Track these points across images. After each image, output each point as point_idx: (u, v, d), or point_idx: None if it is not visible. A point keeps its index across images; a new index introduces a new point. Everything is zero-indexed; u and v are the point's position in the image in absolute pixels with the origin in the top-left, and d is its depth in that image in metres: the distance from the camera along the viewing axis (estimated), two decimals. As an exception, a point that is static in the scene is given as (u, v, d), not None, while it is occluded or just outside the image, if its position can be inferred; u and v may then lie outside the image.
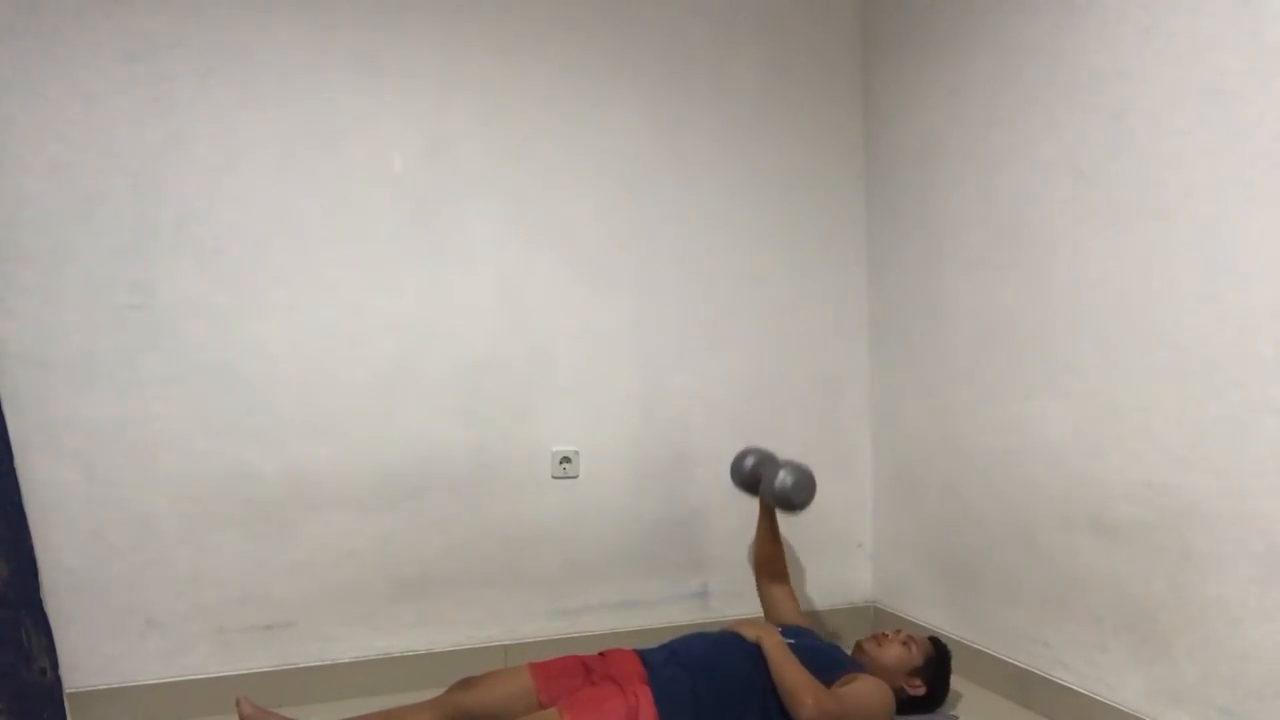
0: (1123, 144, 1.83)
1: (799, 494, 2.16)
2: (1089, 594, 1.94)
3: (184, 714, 2.02)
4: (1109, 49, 1.86)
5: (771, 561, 2.32)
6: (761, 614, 2.32)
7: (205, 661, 2.07)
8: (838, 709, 1.70)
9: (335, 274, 2.18)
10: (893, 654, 1.96)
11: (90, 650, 1.98)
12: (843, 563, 2.71)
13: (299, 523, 2.15)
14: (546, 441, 2.38)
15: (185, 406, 2.06)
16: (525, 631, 2.36)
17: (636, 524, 2.47)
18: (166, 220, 2.05)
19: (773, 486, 2.17)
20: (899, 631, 2.04)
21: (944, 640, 2.11)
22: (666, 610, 2.51)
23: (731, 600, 2.54)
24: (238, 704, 1.72)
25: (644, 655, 1.88)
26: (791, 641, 1.88)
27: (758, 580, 2.34)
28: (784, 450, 2.48)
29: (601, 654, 1.93)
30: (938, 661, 2.01)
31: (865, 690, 1.79)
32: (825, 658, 1.89)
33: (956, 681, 2.16)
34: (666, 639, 1.99)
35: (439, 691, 1.83)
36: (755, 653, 1.83)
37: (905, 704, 1.93)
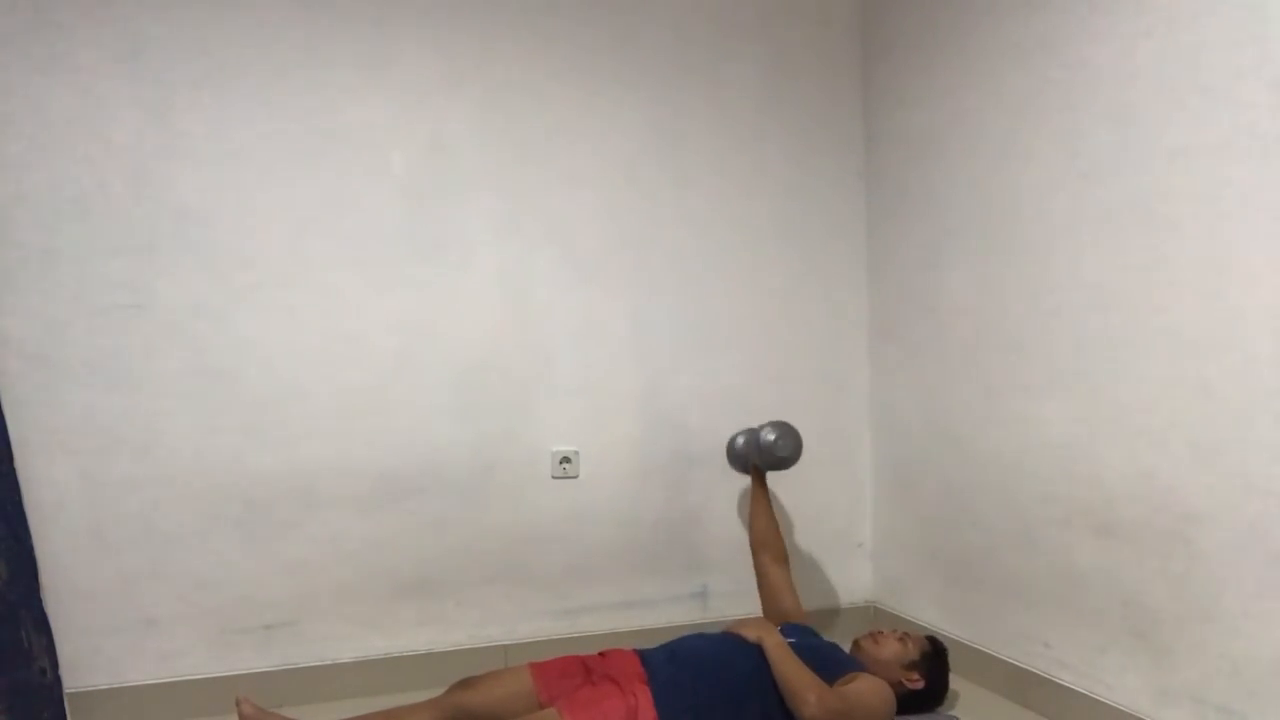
0: (1123, 144, 1.83)
1: (784, 447, 2.27)
2: (1089, 594, 1.94)
3: (184, 714, 2.02)
4: (1109, 49, 1.86)
5: (768, 537, 2.32)
6: (760, 606, 2.31)
7: (205, 661, 2.07)
8: (841, 706, 1.70)
9: (335, 274, 2.19)
10: (889, 649, 1.96)
11: (90, 650, 1.98)
12: (843, 562, 2.72)
13: (299, 523, 2.15)
14: (546, 441, 2.38)
15: (185, 406, 2.06)
16: (525, 631, 2.36)
17: (636, 524, 2.47)
18: (166, 220, 2.05)
19: (758, 444, 2.29)
20: (895, 629, 2.05)
21: (942, 639, 2.11)
22: (666, 610, 2.51)
23: (731, 600, 2.54)
24: (238, 704, 1.72)
25: (644, 655, 1.88)
26: (792, 640, 1.88)
27: (756, 561, 2.32)
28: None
29: (601, 654, 1.93)
30: (935, 657, 2.01)
31: (867, 688, 1.79)
32: (825, 656, 1.89)
33: (956, 681, 2.16)
34: (666, 639, 1.99)
35: (439, 691, 1.83)
36: (755, 653, 1.83)
37: (905, 701, 1.93)
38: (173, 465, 2.05)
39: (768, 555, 2.30)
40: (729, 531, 2.56)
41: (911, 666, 1.95)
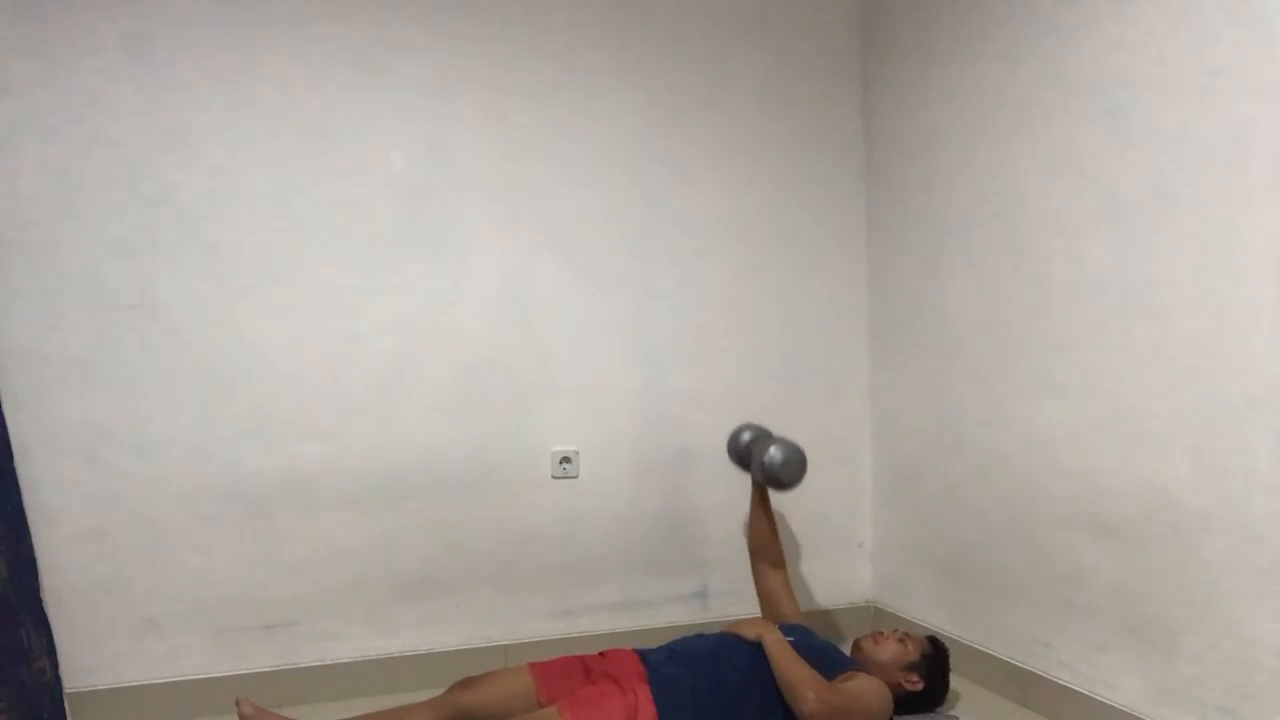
0: (1123, 144, 1.83)
1: (788, 472, 2.14)
2: (1089, 594, 1.94)
3: (184, 714, 2.02)
4: (1109, 48, 1.86)
5: (766, 543, 2.29)
6: (759, 608, 2.31)
7: (205, 661, 2.07)
8: (839, 703, 1.71)
9: (335, 274, 2.19)
10: (889, 650, 1.96)
11: (90, 650, 1.98)
12: (843, 562, 2.72)
13: (299, 523, 2.15)
14: (546, 441, 2.38)
15: (185, 406, 2.06)
16: (525, 631, 2.36)
17: (636, 524, 2.47)
18: (166, 220, 2.05)
19: (762, 462, 2.16)
20: (895, 630, 2.05)
21: (942, 640, 2.11)
22: (666, 610, 2.51)
23: (731, 600, 2.54)
24: (238, 704, 1.72)
25: (644, 655, 1.88)
26: (790, 640, 1.88)
27: (753, 565, 2.33)
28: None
29: (601, 654, 1.94)
30: (935, 658, 2.01)
31: (865, 687, 1.80)
32: (823, 656, 1.89)
33: (956, 681, 2.16)
34: (666, 639, 1.99)
35: (439, 691, 1.83)
36: (755, 652, 1.83)
37: (905, 702, 1.94)
38: (173, 465, 2.05)
39: (764, 560, 2.30)
40: (729, 531, 2.56)
41: (911, 668, 1.95)
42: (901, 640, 1.99)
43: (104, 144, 1.99)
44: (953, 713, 2.07)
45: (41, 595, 1.90)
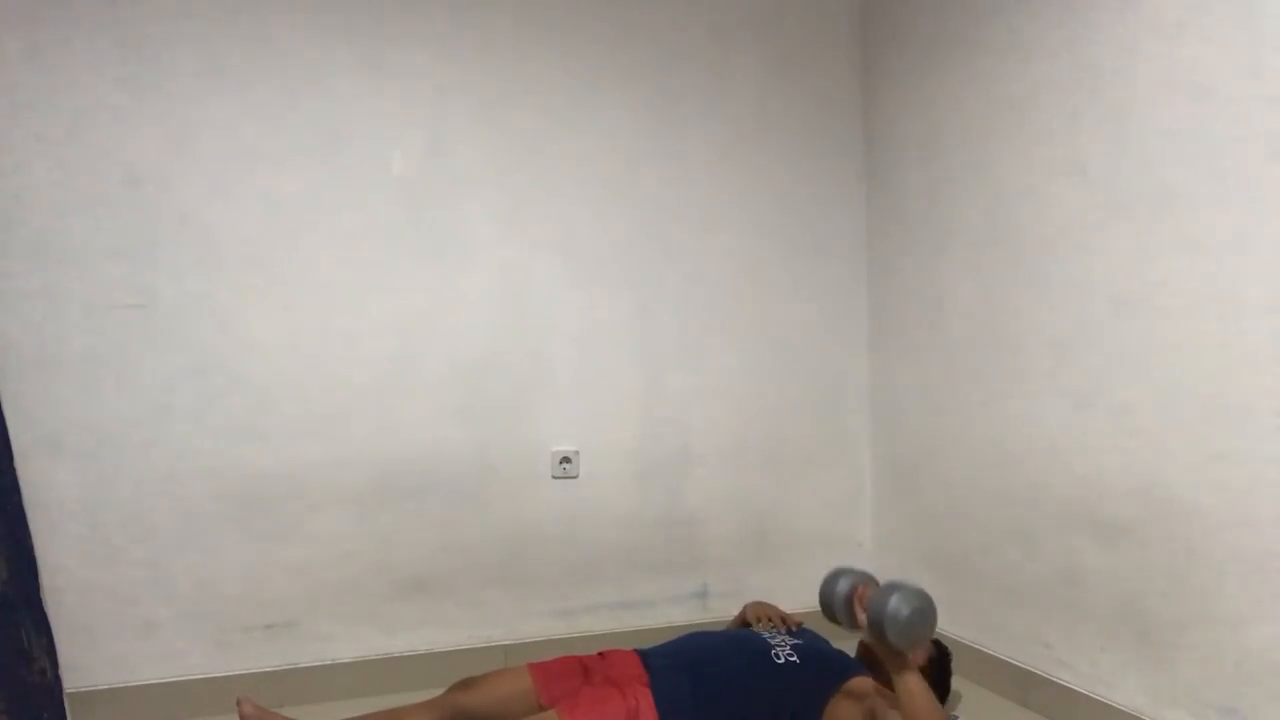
0: (1123, 144, 1.83)
1: (916, 628, 1.63)
2: (1089, 594, 1.94)
3: (184, 714, 2.02)
4: (1109, 48, 1.86)
5: None
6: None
7: (205, 661, 2.07)
8: None
9: (335, 273, 2.18)
10: None
11: (90, 650, 1.98)
12: (843, 562, 2.69)
13: (299, 523, 2.15)
14: (546, 441, 2.38)
15: (185, 406, 2.06)
16: (525, 631, 2.36)
17: (636, 524, 2.47)
18: (167, 220, 2.05)
19: (881, 612, 1.63)
20: None
21: (944, 640, 2.11)
22: (666, 610, 2.51)
23: (731, 600, 2.54)
24: (238, 704, 1.72)
25: (645, 656, 1.88)
26: (798, 642, 1.88)
27: None
28: (784, 453, 2.48)
29: (601, 654, 1.93)
30: (937, 660, 2.01)
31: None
32: (829, 659, 1.88)
33: (957, 681, 2.16)
34: (666, 639, 1.99)
35: (439, 691, 1.83)
36: (761, 652, 1.82)
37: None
38: (173, 465, 2.04)
39: None
40: (729, 531, 2.56)
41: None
42: None
43: (104, 144, 1.99)
44: (954, 713, 2.07)
45: (41, 595, 1.90)
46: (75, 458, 1.97)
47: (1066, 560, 2.00)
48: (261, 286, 2.12)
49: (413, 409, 2.25)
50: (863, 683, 1.81)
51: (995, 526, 2.22)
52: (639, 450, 2.47)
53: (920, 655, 1.72)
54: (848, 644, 2.08)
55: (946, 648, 2.06)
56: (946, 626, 2.38)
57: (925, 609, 1.65)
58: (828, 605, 1.85)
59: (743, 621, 2.21)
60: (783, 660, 1.81)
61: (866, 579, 1.82)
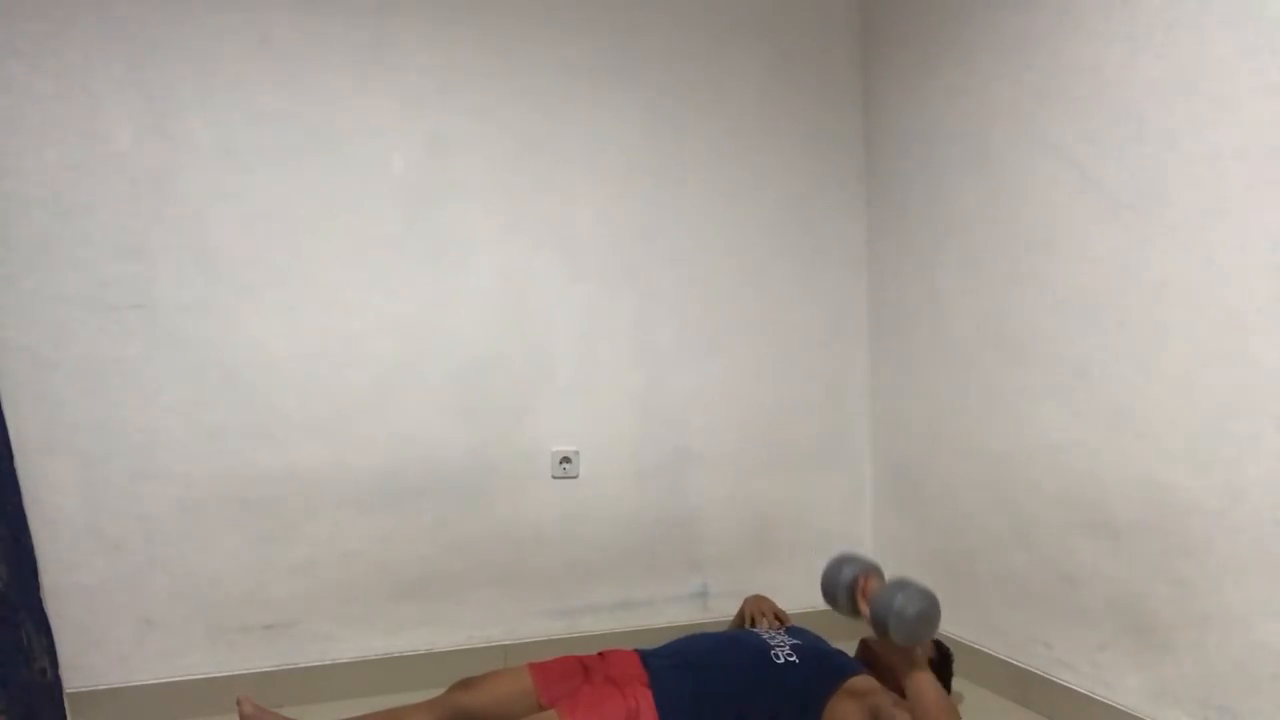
0: (1123, 143, 1.83)
1: (920, 627, 1.65)
2: (1089, 594, 1.94)
3: (184, 714, 2.02)
4: (1109, 48, 1.86)
5: None
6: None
7: (205, 661, 2.07)
8: None
9: (335, 274, 2.18)
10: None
11: (90, 650, 1.98)
12: (843, 563, 2.71)
13: (299, 523, 2.15)
14: (546, 441, 2.38)
15: (185, 406, 2.06)
16: (525, 631, 2.36)
17: (636, 524, 2.47)
18: (167, 221, 2.05)
19: (888, 609, 1.66)
20: None
21: (944, 640, 2.11)
22: (666, 610, 2.51)
23: (731, 600, 2.53)
24: (238, 704, 1.72)
25: (645, 656, 1.88)
26: (797, 642, 1.88)
27: None
28: (784, 453, 2.47)
29: (601, 654, 1.93)
30: (938, 661, 2.00)
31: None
32: (828, 659, 1.88)
33: (957, 682, 2.16)
34: (666, 639, 1.99)
35: (439, 691, 1.83)
36: (761, 652, 1.82)
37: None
38: (173, 465, 2.04)
39: None
40: (729, 531, 2.56)
41: None
42: None
43: (104, 144, 1.99)
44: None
45: (41, 595, 1.90)
46: (75, 458, 1.97)
47: (1066, 560, 2.00)
48: (261, 287, 2.12)
49: (413, 409, 2.25)
50: (863, 681, 1.81)
51: (995, 526, 2.22)
52: (639, 450, 2.47)
53: (921, 654, 1.75)
54: (847, 644, 2.08)
55: (948, 648, 2.06)
56: (947, 626, 2.38)
57: (930, 611, 1.66)
58: (830, 589, 1.86)
59: (742, 618, 2.21)
60: (782, 660, 1.82)
61: (872, 569, 1.82)
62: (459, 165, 2.29)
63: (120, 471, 2.01)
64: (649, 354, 2.49)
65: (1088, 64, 1.91)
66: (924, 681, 1.64)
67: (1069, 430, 1.98)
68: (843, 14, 2.72)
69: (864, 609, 1.71)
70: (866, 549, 2.73)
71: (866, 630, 1.81)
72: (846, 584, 1.81)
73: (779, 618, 2.15)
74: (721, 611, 2.52)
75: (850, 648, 2.09)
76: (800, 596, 2.45)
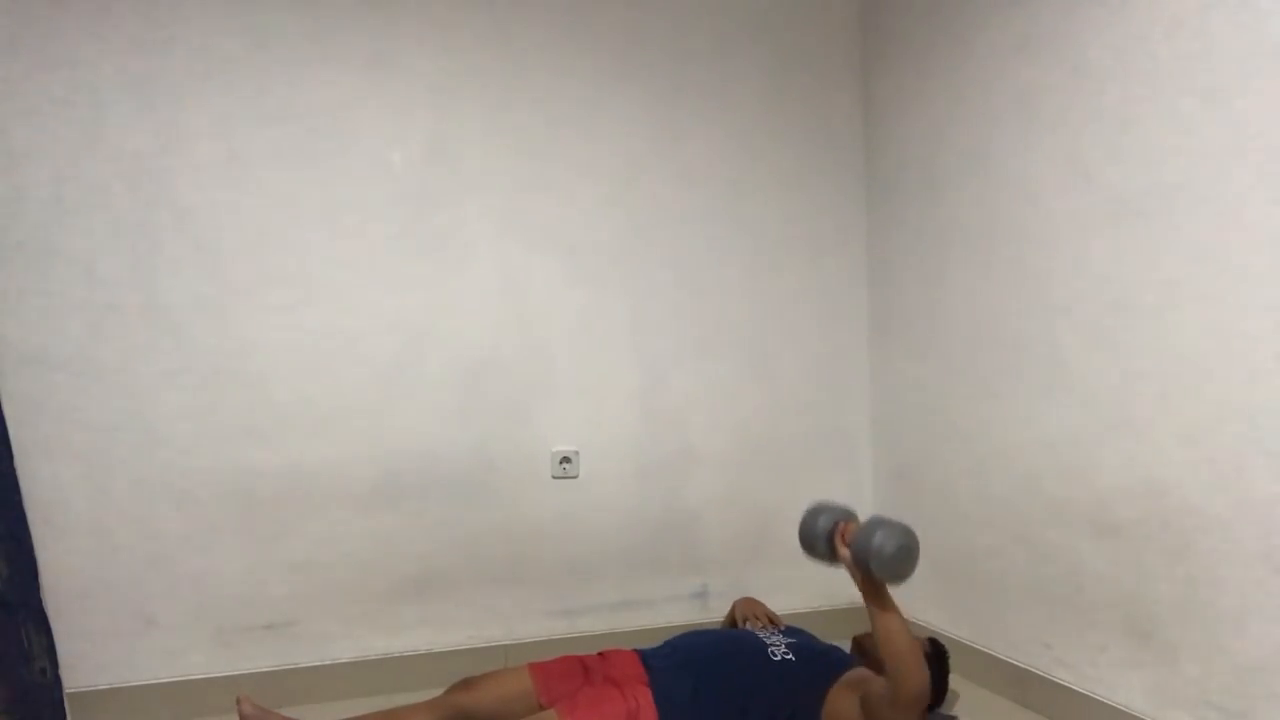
0: (1123, 144, 1.83)
1: (901, 563, 1.66)
2: (1089, 594, 1.94)
3: (184, 714, 2.02)
4: (1109, 48, 1.86)
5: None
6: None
7: (205, 661, 2.07)
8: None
9: (335, 274, 2.18)
10: None
11: (90, 650, 1.98)
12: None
13: (299, 523, 2.15)
14: (546, 441, 2.38)
15: (185, 406, 2.06)
16: (525, 631, 2.36)
17: (636, 524, 2.47)
18: (166, 220, 2.05)
19: (867, 547, 1.66)
20: None
21: (943, 640, 2.11)
22: (666, 610, 2.51)
23: (731, 600, 2.54)
24: (238, 704, 1.72)
25: (645, 656, 1.88)
26: (792, 641, 1.88)
27: None
28: (784, 453, 2.47)
29: (601, 654, 1.93)
30: (935, 659, 2.00)
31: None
32: (825, 657, 1.89)
33: (956, 681, 2.16)
34: (666, 639, 1.99)
35: (439, 691, 1.83)
36: (758, 651, 1.83)
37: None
38: (173, 465, 2.04)
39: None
40: (729, 531, 2.56)
41: None
42: None
43: (104, 143, 1.99)
44: (953, 713, 2.07)
45: (41, 595, 1.90)
46: (75, 458, 1.97)
47: (1066, 560, 2.00)
48: (261, 286, 2.12)
49: (413, 409, 2.25)
50: (858, 674, 1.82)
51: (995, 526, 2.22)
52: (639, 450, 2.47)
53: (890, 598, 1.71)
54: (842, 641, 2.08)
55: (944, 647, 2.06)
56: (947, 627, 2.38)
57: (910, 545, 1.68)
58: (808, 539, 1.85)
59: (732, 620, 2.21)
60: (779, 658, 1.82)
61: (848, 515, 1.83)
62: (460, 165, 2.29)
63: (120, 471, 2.01)
64: (649, 354, 2.49)
65: (1088, 63, 1.91)
66: (893, 621, 1.63)
67: (1069, 430, 1.98)
68: (843, 15, 2.72)
69: (844, 553, 1.71)
70: (866, 549, 2.73)
71: (856, 621, 1.74)
72: (825, 532, 1.81)
73: (771, 619, 2.16)
74: (721, 612, 2.51)
75: (846, 647, 2.09)
76: (800, 596, 2.45)
